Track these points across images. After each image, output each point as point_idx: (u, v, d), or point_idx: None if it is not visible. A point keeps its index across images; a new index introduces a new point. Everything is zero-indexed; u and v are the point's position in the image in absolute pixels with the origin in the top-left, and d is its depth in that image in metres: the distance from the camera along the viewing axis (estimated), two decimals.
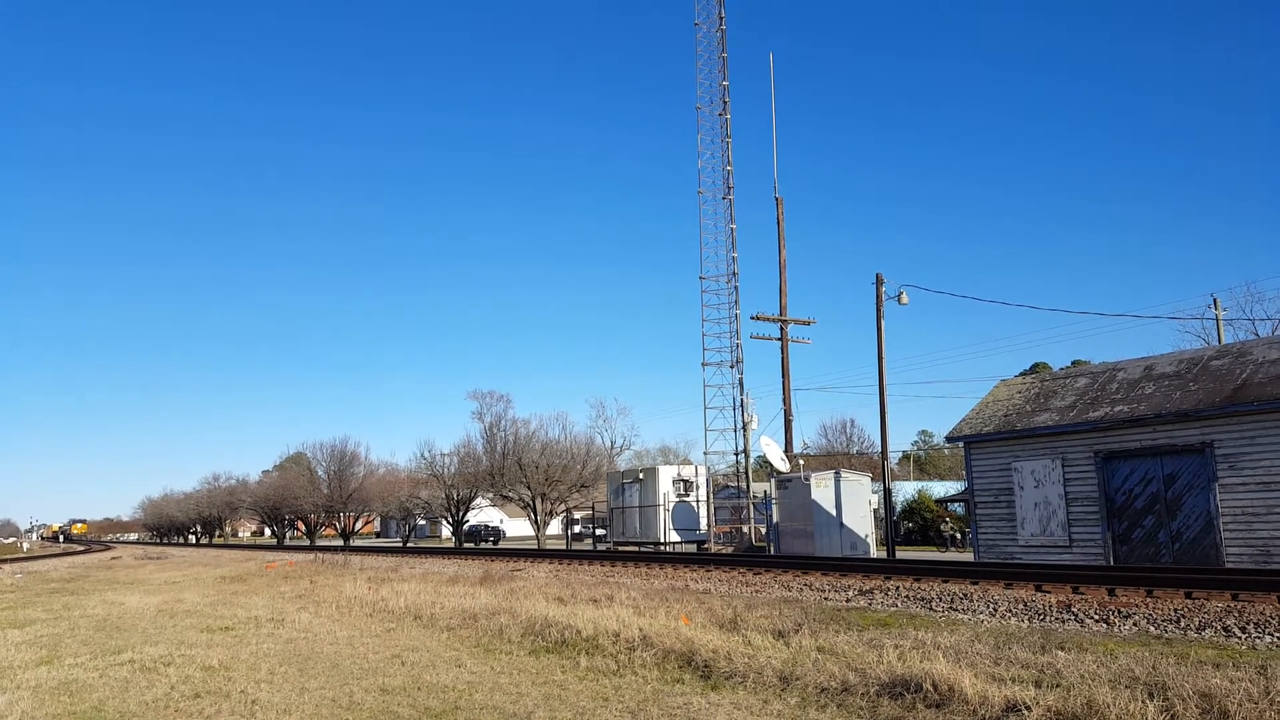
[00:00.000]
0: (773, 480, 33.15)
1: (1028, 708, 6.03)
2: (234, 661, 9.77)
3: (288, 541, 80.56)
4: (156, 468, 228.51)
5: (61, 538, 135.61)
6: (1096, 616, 10.64)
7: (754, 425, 37.10)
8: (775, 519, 31.63)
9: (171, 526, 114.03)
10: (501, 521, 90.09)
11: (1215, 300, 36.11)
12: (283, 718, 7.09)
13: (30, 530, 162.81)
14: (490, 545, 62.03)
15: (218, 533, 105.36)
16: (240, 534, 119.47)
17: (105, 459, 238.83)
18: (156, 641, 11.58)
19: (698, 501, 35.76)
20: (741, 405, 37.19)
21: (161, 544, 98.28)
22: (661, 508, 34.87)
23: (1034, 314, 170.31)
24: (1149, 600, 11.71)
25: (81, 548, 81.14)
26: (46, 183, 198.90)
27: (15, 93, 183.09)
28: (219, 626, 13.07)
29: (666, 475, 35.99)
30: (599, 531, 46.03)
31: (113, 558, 48.82)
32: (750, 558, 25.02)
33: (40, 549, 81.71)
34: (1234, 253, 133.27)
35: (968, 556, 28.76)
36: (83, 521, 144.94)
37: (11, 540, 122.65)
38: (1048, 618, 10.87)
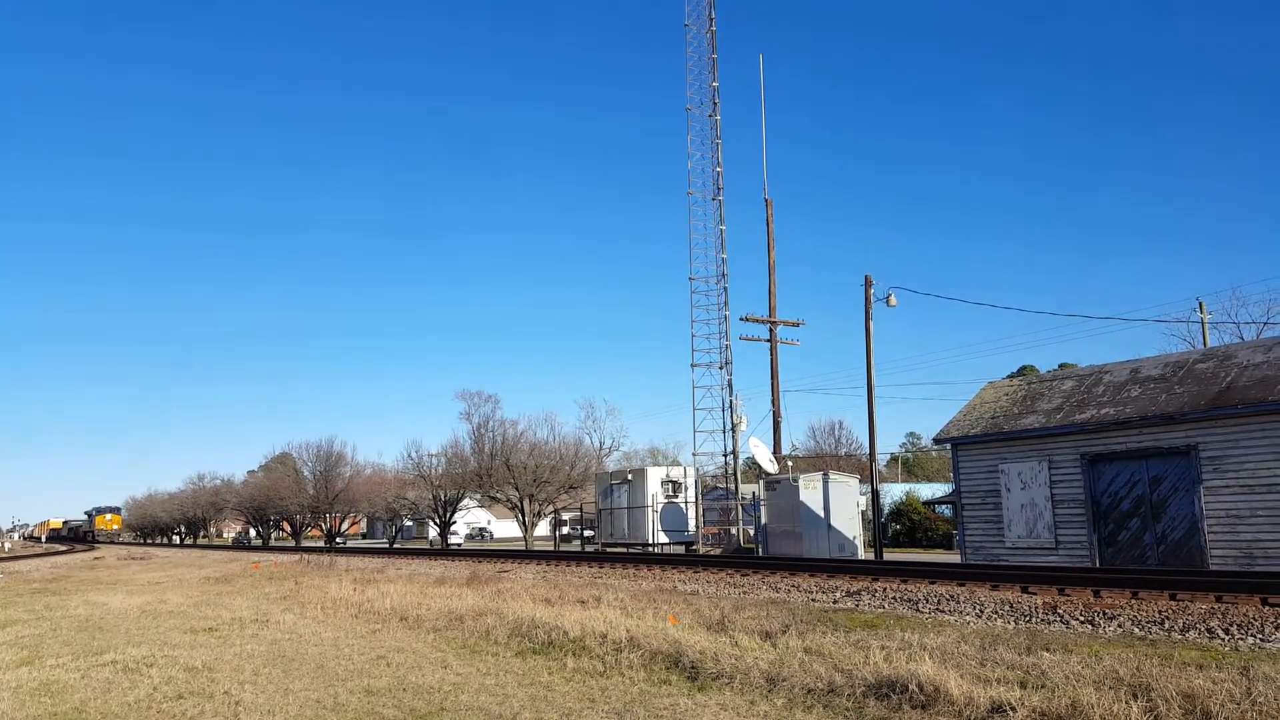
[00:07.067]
0: (761, 482, 33.19)
1: (1013, 708, 6.04)
2: (218, 662, 9.69)
3: (272, 542, 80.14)
4: (140, 467, 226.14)
5: (41, 538, 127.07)
6: (1082, 618, 10.69)
7: (743, 426, 37.14)
8: (763, 520, 31.66)
9: (155, 527, 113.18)
10: (490, 522, 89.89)
11: (1200, 304, 36.48)
12: (267, 719, 7.04)
13: (12, 529, 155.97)
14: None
15: (202, 533, 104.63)
16: (225, 534, 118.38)
17: (88, 458, 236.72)
18: (139, 642, 11.47)
19: (686, 503, 35.75)
20: (730, 406, 37.22)
21: (145, 544, 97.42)
22: (650, 509, 34.85)
23: (1021, 316, 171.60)
24: (1134, 602, 11.77)
25: (64, 548, 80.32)
26: (29, 175, 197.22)
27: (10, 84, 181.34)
28: (203, 627, 12.97)
29: (655, 476, 35.96)
30: (587, 533, 45.98)
31: (95, 558, 48.42)
32: (738, 559, 25.03)
33: (22, 549, 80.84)
34: (1219, 257, 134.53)
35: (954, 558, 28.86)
36: (114, 511, 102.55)
37: None
38: (1033, 619, 10.91)
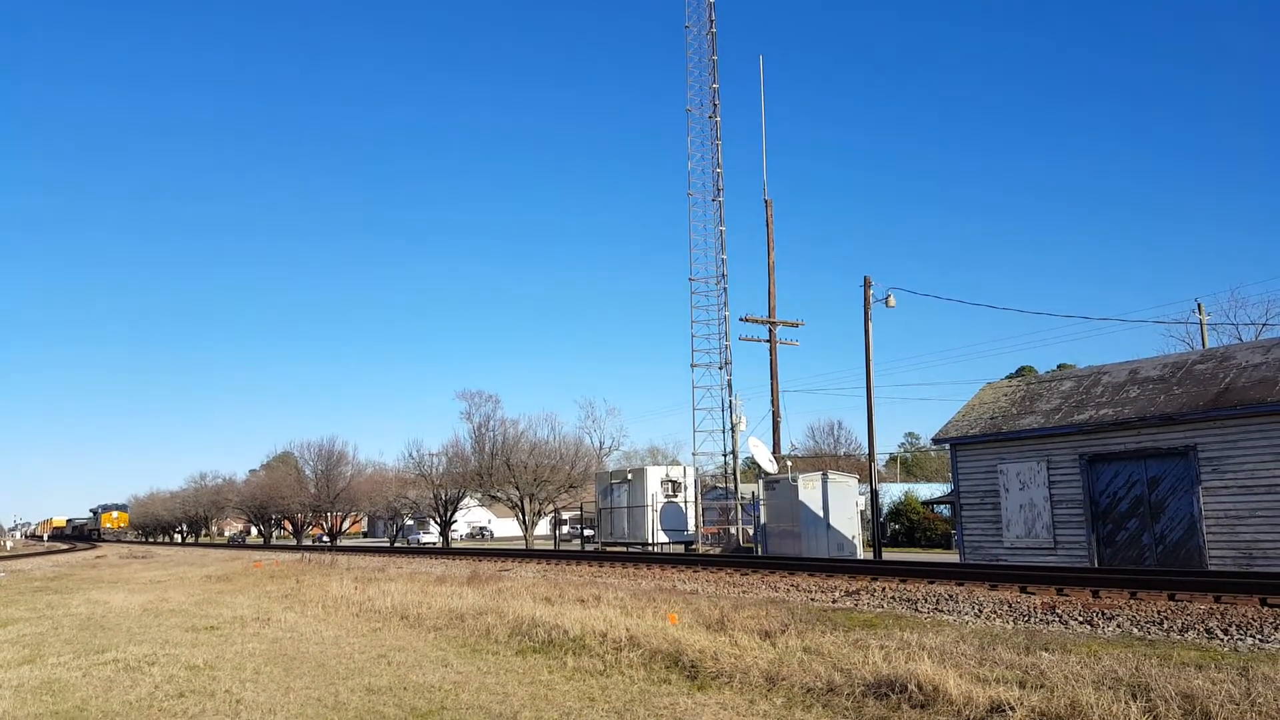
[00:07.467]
0: (760, 481, 33.20)
1: (1012, 708, 6.07)
2: (219, 661, 9.73)
3: (273, 541, 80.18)
4: (142, 466, 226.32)
5: (44, 537, 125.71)
6: (1080, 618, 10.71)
7: (742, 426, 37.14)
8: (763, 520, 31.68)
9: (157, 525, 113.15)
10: (490, 521, 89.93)
11: (1199, 305, 36.46)
12: (268, 717, 7.07)
13: (14, 528, 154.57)
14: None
15: (204, 532, 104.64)
16: (226, 533, 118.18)
17: (90, 456, 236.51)
18: (141, 641, 11.51)
19: (686, 502, 35.78)
20: (730, 406, 37.23)
21: (147, 543, 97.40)
22: (650, 508, 34.87)
23: (1020, 317, 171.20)
24: (1133, 602, 11.79)
25: (66, 546, 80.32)
26: (34, 177, 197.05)
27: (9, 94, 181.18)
28: (204, 626, 13.01)
29: (655, 476, 35.99)
30: (587, 532, 46.00)
31: (97, 556, 48.46)
32: (737, 558, 25.05)
33: (24, 547, 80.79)
34: (1218, 257, 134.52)
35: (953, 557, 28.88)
36: (121, 509, 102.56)
37: None
38: (1032, 619, 10.93)
